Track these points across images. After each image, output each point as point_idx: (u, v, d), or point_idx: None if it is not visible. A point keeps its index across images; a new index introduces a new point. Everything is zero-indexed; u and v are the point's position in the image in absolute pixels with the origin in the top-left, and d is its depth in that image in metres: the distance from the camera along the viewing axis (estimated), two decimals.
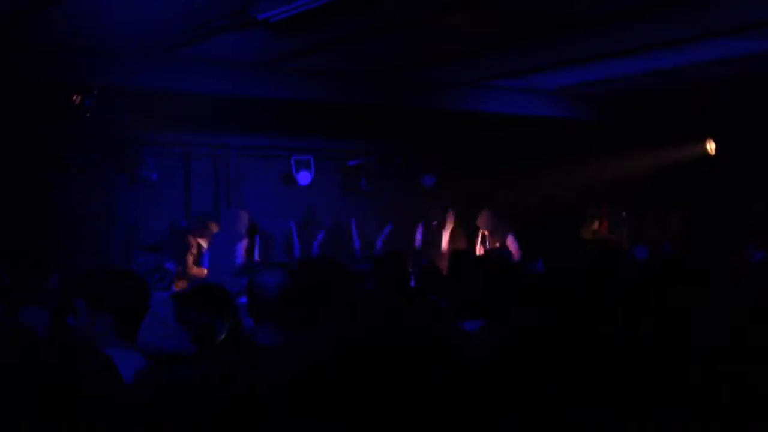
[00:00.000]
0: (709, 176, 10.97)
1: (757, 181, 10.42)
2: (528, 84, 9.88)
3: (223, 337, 4.05)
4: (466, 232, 12.13)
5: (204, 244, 9.64)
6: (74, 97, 8.30)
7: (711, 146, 11.15)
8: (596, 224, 11.35)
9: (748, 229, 9.83)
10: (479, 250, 10.85)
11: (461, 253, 6.36)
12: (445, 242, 11.31)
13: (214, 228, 9.72)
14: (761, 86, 9.43)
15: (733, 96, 9.94)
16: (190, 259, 9.65)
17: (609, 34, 7.35)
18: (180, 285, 7.97)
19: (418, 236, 11.50)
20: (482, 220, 10.85)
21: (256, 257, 9.38)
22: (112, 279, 3.22)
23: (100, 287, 3.17)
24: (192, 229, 9.99)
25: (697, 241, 9.67)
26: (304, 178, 11.85)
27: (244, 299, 4.51)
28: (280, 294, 3.42)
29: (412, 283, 6.23)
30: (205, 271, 9.12)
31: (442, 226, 11.39)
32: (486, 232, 10.88)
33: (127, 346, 3.05)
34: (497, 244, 10.67)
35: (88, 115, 8.43)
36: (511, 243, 10.63)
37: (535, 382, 2.62)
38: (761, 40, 7.51)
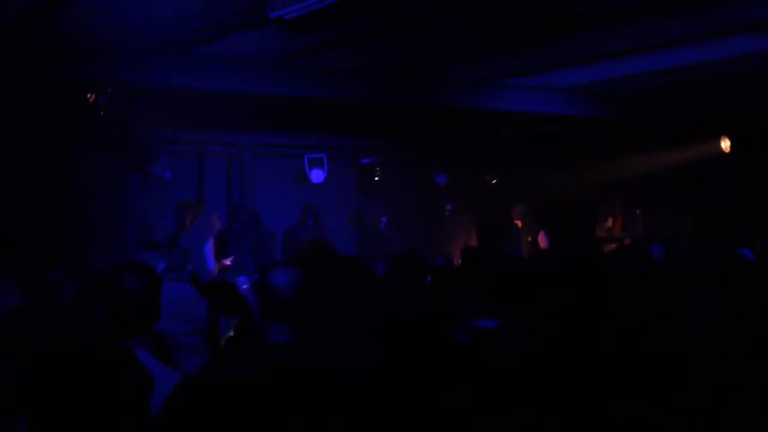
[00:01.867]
0: (724, 174, 10.93)
1: None
2: (541, 82, 9.86)
3: (231, 333, 4.04)
4: (478, 229, 12.17)
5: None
6: (88, 96, 8.34)
7: (726, 144, 11.10)
8: (610, 222, 11.33)
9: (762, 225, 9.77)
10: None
11: (473, 251, 6.34)
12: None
13: (198, 209, 9.79)
14: None
15: (748, 94, 9.88)
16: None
17: (623, 32, 7.32)
18: None
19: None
20: (517, 213, 10.96)
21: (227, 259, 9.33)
22: (113, 276, 3.22)
23: (102, 284, 3.19)
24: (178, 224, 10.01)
25: (711, 240, 9.60)
26: (317, 176, 11.84)
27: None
28: (294, 293, 3.38)
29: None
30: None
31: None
32: (519, 224, 10.97)
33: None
34: (529, 239, 10.77)
35: (102, 113, 8.46)
36: (543, 239, 10.71)
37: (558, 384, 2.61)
38: None
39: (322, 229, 10.96)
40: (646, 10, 6.59)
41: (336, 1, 5.76)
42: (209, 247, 9.06)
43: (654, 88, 10.04)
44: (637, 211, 11.41)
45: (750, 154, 10.69)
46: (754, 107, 10.17)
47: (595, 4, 6.50)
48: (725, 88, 9.72)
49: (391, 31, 7.18)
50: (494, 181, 13.02)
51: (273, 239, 11.13)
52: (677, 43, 7.68)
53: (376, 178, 12.49)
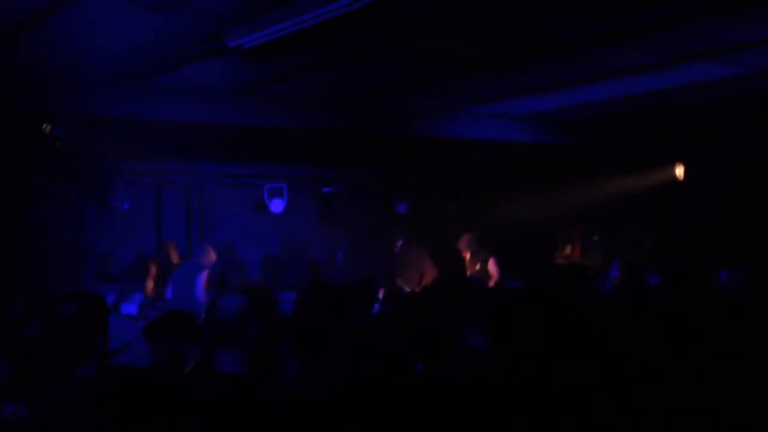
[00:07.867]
0: (680, 200, 11.08)
1: (726, 205, 10.53)
2: (502, 109, 9.94)
3: (192, 364, 3.99)
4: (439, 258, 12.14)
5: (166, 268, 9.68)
6: (44, 126, 8.24)
7: (680, 171, 11.27)
8: (569, 249, 11.39)
9: (719, 251, 9.91)
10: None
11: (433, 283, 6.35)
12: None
13: (173, 251, 9.81)
14: (731, 110, 9.55)
15: (705, 120, 10.04)
16: (150, 284, 9.70)
17: (583, 60, 7.41)
18: None
19: None
20: (463, 243, 10.92)
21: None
22: (55, 302, 3.21)
23: (48, 309, 3.18)
24: (152, 256, 10.05)
25: (668, 264, 9.73)
26: (276, 206, 11.82)
27: None
28: (240, 318, 3.40)
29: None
30: None
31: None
32: (467, 255, 10.93)
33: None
34: (477, 267, 10.72)
35: (58, 144, 8.37)
36: (492, 266, 10.68)
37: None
38: (733, 64, 7.61)
39: (298, 256, 11.04)
40: (607, 38, 6.68)
41: (296, 30, 5.76)
42: (201, 278, 9.00)
43: (612, 116, 10.16)
44: (595, 238, 11.51)
45: (706, 179, 10.84)
46: (710, 133, 10.34)
47: (557, 33, 6.58)
48: (683, 115, 9.87)
49: (351, 60, 7.21)
50: (451, 207, 13.02)
51: (243, 268, 11.16)
52: (637, 70, 7.79)
53: (337, 207, 12.48)
